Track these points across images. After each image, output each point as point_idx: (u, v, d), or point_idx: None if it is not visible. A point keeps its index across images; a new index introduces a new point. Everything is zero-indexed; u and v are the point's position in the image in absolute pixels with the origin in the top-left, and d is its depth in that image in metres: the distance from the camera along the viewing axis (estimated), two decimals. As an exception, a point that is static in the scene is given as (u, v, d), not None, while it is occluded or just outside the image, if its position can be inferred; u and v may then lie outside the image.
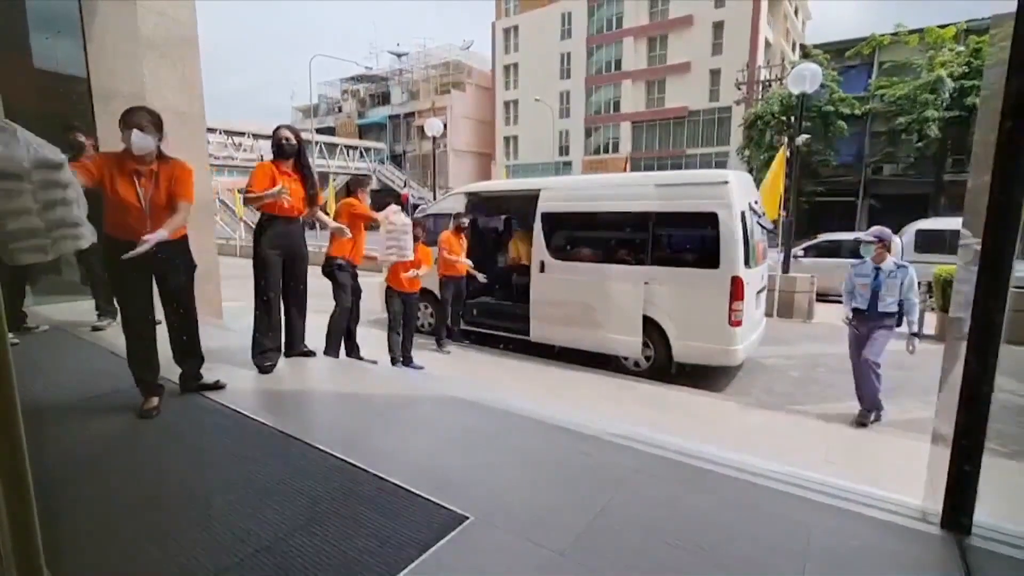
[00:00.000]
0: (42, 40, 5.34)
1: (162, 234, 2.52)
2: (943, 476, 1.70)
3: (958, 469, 1.66)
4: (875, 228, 4.39)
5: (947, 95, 18.41)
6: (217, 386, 3.10)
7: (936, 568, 1.62)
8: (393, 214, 4.58)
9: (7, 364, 0.94)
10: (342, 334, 4.49)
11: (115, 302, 2.76)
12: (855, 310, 4.35)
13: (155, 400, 2.75)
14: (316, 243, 10.82)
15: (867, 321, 4.29)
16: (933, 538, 1.73)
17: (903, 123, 19.44)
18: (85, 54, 5.05)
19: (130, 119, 2.55)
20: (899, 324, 4.28)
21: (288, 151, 3.46)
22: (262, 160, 3.49)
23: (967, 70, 18.30)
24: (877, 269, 4.25)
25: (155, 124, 2.62)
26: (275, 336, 3.59)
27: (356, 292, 4.56)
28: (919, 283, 4.35)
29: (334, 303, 4.44)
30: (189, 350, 3.01)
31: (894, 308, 4.19)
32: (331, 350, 4.37)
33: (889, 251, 4.26)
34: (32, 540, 1.00)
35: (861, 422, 4.25)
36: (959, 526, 1.72)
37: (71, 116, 4.67)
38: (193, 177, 2.80)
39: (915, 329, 4.24)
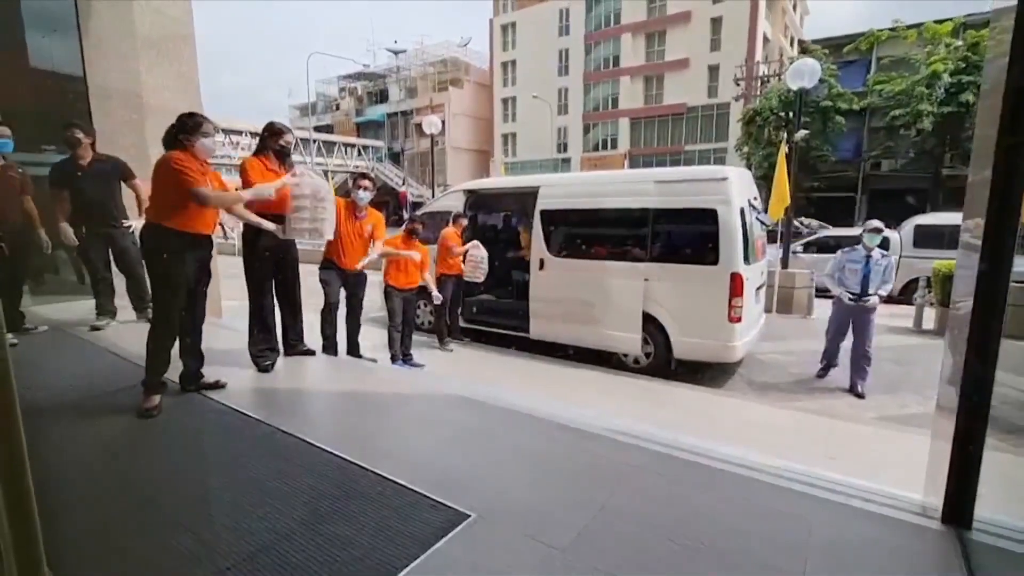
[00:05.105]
0: (38, 39, 5.31)
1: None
2: (944, 471, 1.70)
3: (959, 464, 1.66)
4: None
5: (942, 91, 18.37)
6: (218, 385, 3.10)
7: (937, 562, 1.62)
8: (474, 247, 6.06)
9: (6, 365, 0.94)
10: (333, 331, 4.48)
11: (155, 294, 2.84)
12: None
13: (156, 399, 2.75)
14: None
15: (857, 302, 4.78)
16: (934, 533, 1.74)
17: (898, 116, 19.42)
18: (81, 52, 5.03)
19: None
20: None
21: (287, 153, 3.47)
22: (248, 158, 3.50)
23: (963, 65, 18.27)
24: (868, 256, 4.72)
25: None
26: (271, 335, 3.59)
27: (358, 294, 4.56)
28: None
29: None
30: (194, 347, 3.04)
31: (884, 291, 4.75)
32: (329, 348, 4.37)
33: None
34: (33, 540, 1.00)
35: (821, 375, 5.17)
36: (960, 520, 1.72)
37: (68, 115, 4.65)
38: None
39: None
